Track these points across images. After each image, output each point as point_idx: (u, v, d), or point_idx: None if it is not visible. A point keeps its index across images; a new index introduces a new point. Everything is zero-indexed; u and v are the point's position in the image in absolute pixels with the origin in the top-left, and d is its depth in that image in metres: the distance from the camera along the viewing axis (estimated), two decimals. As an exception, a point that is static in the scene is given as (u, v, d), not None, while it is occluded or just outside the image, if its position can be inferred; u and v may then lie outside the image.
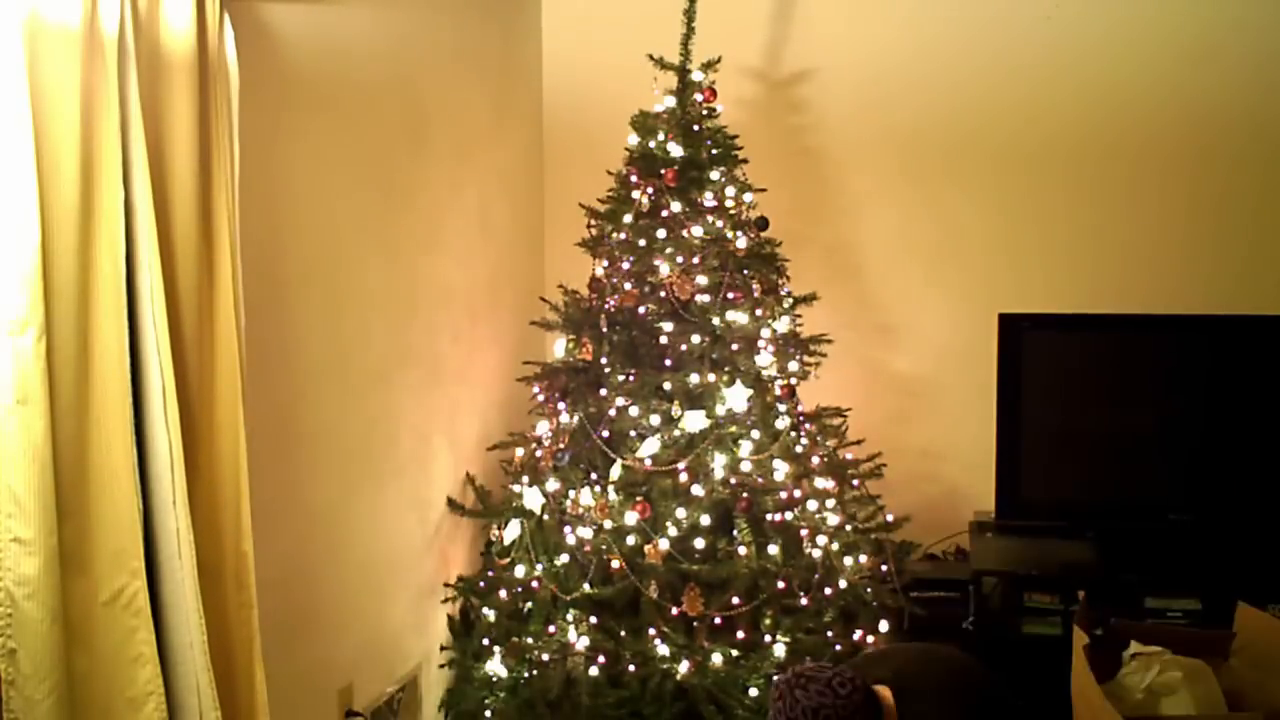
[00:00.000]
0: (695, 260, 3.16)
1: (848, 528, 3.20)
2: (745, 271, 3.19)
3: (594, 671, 3.02)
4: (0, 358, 1.70)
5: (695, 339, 3.12)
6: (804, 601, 3.09)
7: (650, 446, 3.05)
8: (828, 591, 3.12)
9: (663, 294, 3.16)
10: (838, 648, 3.10)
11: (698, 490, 3.04)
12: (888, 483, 3.37)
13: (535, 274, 4.05)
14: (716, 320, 3.13)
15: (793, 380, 3.22)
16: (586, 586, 3.06)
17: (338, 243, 2.76)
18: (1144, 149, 3.60)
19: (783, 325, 3.22)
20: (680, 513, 3.01)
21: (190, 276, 2.02)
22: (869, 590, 3.16)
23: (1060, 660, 2.92)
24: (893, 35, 3.77)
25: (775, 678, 2.14)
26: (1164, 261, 3.62)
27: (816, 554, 3.09)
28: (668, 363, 3.16)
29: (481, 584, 3.33)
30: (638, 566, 3.00)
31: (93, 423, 1.84)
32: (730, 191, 3.22)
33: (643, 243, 3.21)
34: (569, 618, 3.07)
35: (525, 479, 3.23)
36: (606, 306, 3.24)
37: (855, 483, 3.32)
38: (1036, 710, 2.99)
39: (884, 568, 3.24)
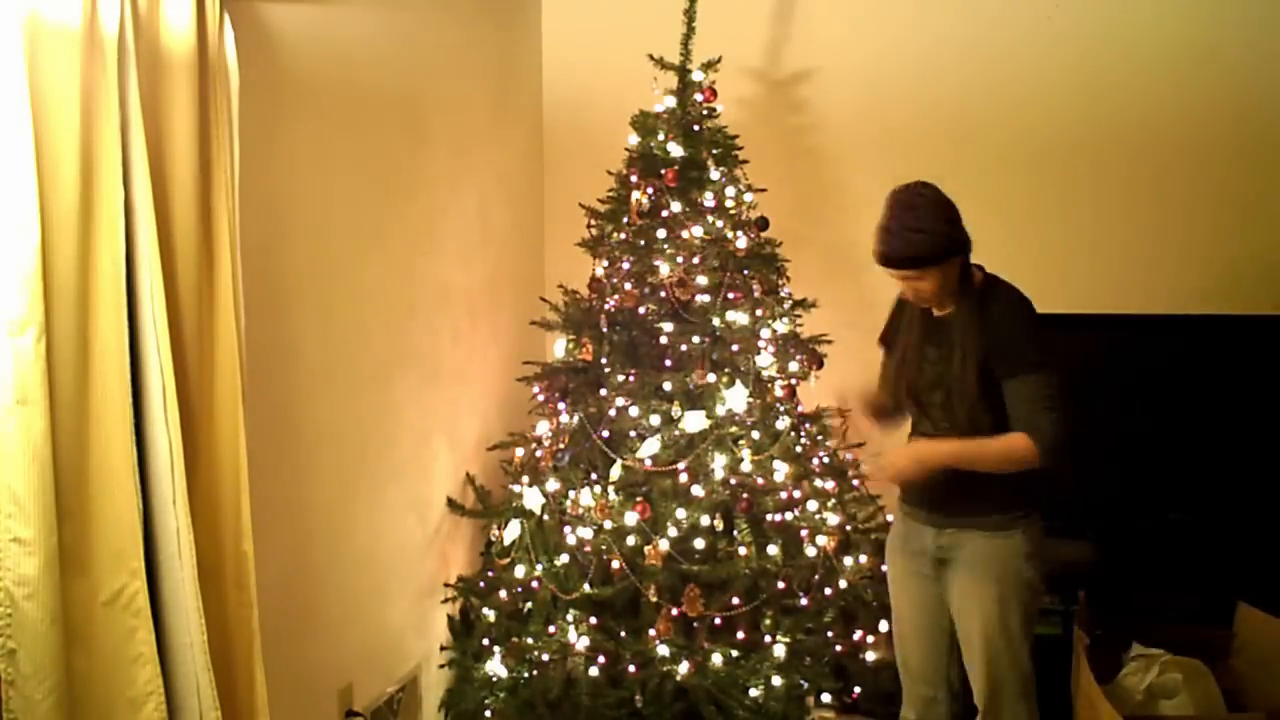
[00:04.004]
0: (695, 260, 3.16)
1: (848, 528, 3.20)
2: (745, 272, 3.19)
3: (594, 671, 3.02)
4: (0, 358, 1.70)
5: (695, 339, 3.12)
6: (804, 601, 3.09)
7: (650, 447, 3.05)
8: (828, 591, 3.12)
9: (663, 294, 3.16)
10: (838, 648, 3.11)
11: (698, 491, 3.04)
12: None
13: (535, 274, 4.05)
14: (716, 321, 3.13)
15: (793, 381, 3.23)
16: (586, 587, 3.06)
17: (338, 242, 2.76)
18: (1144, 149, 3.60)
19: (783, 326, 3.23)
20: (680, 513, 3.01)
21: (190, 276, 2.02)
22: (869, 590, 3.16)
23: (1060, 660, 2.92)
24: (893, 35, 3.76)
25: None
26: (1164, 261, 3.61)
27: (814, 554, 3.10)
28: (668, 363, 3.16)
29: (481, 584, 3.34)
30: (638, 567, 3.00)
31: (93, 423, 1.84)
32: (730, 191, 3.22)
33: (643, 243, 3.21)
34: (569, 618, 3.07)
35: (525, 479, 3.23)
36: (606, 307, 3.24)
37: (855, 483, 3.32)
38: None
39: (884, 568, 3.24)
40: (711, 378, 3.08)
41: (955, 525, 2.53)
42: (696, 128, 3.24)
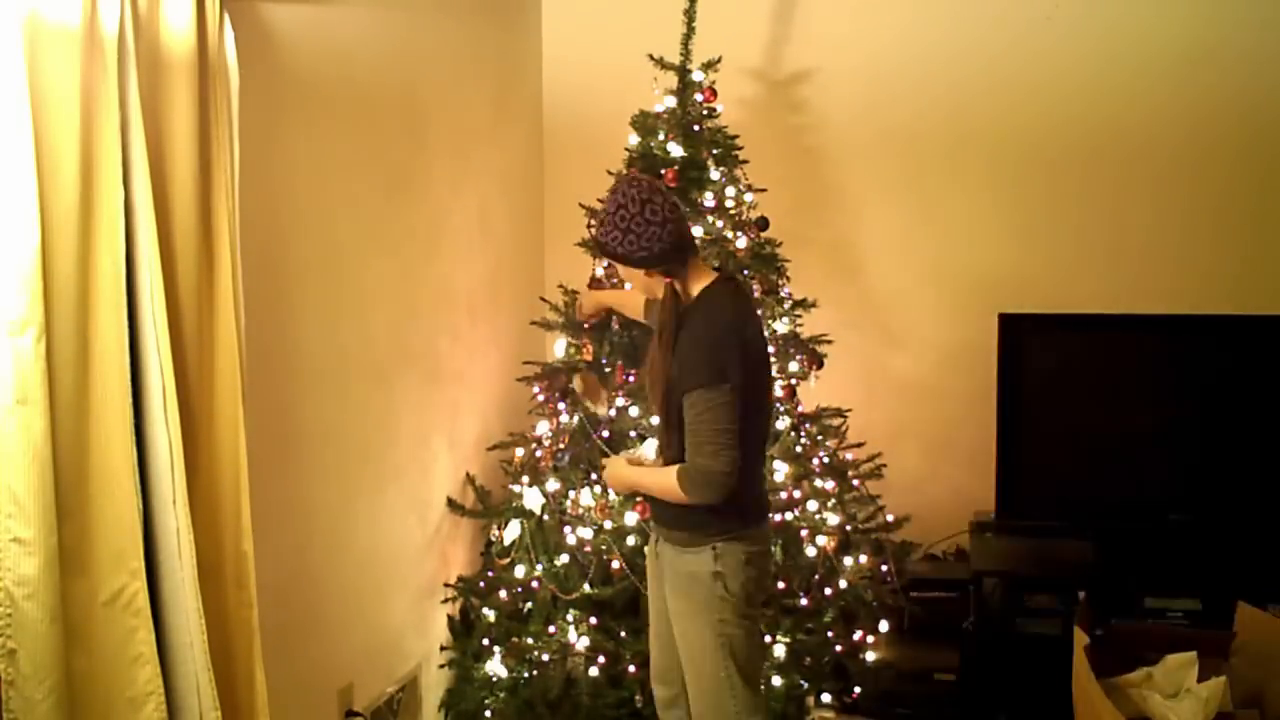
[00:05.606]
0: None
1: (848, 528, 3.20)
2: (745, 272, 3.19)
3: (594, 672, 3.02)
4: (0, 358, 1.70)
5: (695, 339, 3.12)
6: (804, 601, 3.09)
7: (650, 447, 3.05)
8: (828, 591, 3.12)
9: (663, 294, 3.16)
10: (838, 648, 3.11)
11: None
12: (888, 483, 3.37)
13: (535, 274, 4.05)
14: (717, 320, 3.13)
15: (793, 381, 3.22)
16: (586, 587, 3.06)
17: (338, 242, 2.76)
18: (1143, 149, 3.60)
19: (783, 326, 3.22)
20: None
21: (190, 276, 2.02)
22: (869, 590, 3.16)
23: (1060, 660, 2.92)
24: (893, 35, 3.77)
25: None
26: (1164, 261, 3.62)
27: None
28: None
29: (481, 584, 3.34)
30: (638, 567, 3.00)
31: (93, 423, 1.84)
32: (730, 191, 3.22)
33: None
34: (569, 618, 3.07)
35: (525, 479, 3.23)
36: (607, 306, 3.24)
37: (855, 483, 3.32)
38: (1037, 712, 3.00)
39: (884, 568, 3.24)
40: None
41: (660, 534, 2.51)
42: (696, 128, 3.24)
